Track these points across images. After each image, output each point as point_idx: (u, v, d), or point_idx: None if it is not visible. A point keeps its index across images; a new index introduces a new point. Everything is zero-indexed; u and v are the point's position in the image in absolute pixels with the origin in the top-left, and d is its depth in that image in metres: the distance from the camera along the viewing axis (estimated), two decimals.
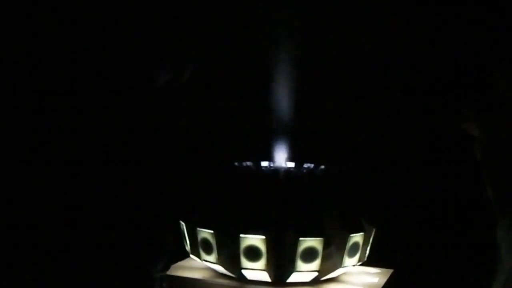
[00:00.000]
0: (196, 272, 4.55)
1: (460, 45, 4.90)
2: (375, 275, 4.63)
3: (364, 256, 4.54)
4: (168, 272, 4.27)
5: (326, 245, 4.13)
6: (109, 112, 3.74)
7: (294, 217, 4.18)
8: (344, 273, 4.49)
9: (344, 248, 4.24)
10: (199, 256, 4.42)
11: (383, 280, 4.53)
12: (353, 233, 4.26)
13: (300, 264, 4.13)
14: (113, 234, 3.66)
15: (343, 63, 5.55)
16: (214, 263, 4.32)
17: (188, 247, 4.56)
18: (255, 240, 4.09)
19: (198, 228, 4.33)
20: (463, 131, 3.14)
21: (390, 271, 4.82)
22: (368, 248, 4.56)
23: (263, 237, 4.07)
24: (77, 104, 3.66)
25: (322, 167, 4.75)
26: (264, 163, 4.89)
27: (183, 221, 4.53)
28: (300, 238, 4.07)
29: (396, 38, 5.36)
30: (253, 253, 4.13)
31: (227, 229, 4.18)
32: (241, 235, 4.11)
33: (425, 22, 5.24)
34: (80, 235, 3.58)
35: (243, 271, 4.20)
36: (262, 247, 4.09)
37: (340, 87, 5.64)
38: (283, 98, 5.04)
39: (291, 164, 4.87)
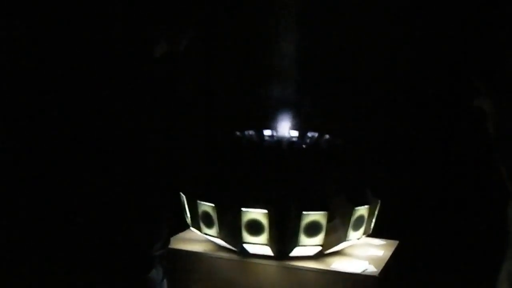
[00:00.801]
0: (197, 244, 4.44)
1: (473, 20, 4.73)
2: (380, 247, 4.52)
3: (369, 228, 4.43)
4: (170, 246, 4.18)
5: (330, 219, 4.01)
6: (106, 80, 3.65)
7: (297, 190, 4.05)
8: (348, 246, 4.36)
9: (349, 222, 4.12)
10: (199, 229, 4.31)
11: (389, 252, 4.42)
12: (357, 206, 4.14)
13: (304, 239, 4.02)
14: (109, 209, 3.53)
15: (352, 29, 5.37)
16: (215, 236, 4.21)
17: (188, 220, 4.45)
18: (257, 214, 3.97)
19: (198, 201, 4.20)
20: (476, 108, 2.98)
21: (395, 242, 4.71)
22: (373, 220, 4.45)
23: (265, 211, 3.95)
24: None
25: (327, 136, 4.59)
26: (267, 132, 4.74)
27: (183, 193, 4.41)
28: (304, 212, 3.95)
29: (409, 13, 5.17)
30: (255, 227, 4.01)
31: (228, 203, 4.06)
32: (242, 209, 3.98)
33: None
34: (73, 210, 3.47)
35: (245, 245, 4.09)
36: (264, 221, 3.98)
37: (350, 53, 5.45)
38: (287, 63, 4.85)
39: (295, 133, 4.72)
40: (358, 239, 4.30)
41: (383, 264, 4.14)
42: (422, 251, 5.22)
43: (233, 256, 4.19)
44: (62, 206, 3.41)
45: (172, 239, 4.32)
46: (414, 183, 5.36)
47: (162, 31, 3.60)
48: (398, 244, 4.68)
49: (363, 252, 4.38)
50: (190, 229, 4.51)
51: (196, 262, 4.31)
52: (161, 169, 3.88)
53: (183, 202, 4.42)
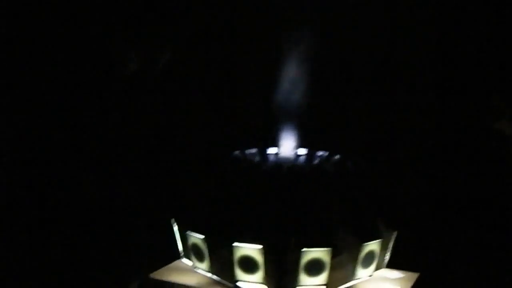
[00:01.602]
0: (189, 276, 3.98)
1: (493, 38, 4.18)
2: (396, 283, 3.98)
3: (383, 263, 3.92)
4: (158, 276, 3.77)
5: (335, 256, 3.51)
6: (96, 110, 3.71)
7: (297, 223, 3.56)
8: (359, 283, 3.85)
9: (357, 258, 3.62)
10: (191, 261, 3.87)
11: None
12: (367, 241, 3.63)
13: (304, 278, 3.54)
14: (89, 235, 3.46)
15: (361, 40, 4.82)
16: (206, 271, 3.76)
17: (180, 249, 4.01)
18: (251, 250, 3.50)
19: (188, 232, 3.75)
20: (496, 130, 2.49)
21: (415, 275, 4.17)
22: (388, 253, 3.93)
23: (260, 246, 3.47)
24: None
25: (337, 157, 4.08)
26: (272, 150, 4.26)
27: (174, 220, 3.97)
28: (304, 249, 3.46)
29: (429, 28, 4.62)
30: (249, 264, 3.54)
31: (219, 236, 3.60)
32: (235, 244, 3.52)
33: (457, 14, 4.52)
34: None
35: (239, 284, 3.63)
36: (258, 258, 3.50)
37: (361, 68, 4.91)
38: (292, 75, 4.33)
39: (302, 151, 4.22)
40: (370, 276, 3.79)
41: None
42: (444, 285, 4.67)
43: None
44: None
45: (164, 269, 3.93)
46: (437, 209, 4.79)
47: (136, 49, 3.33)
48: (418, 278, 4.14)
49: None
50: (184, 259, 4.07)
51: None
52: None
53: (174, 230, 3.98)
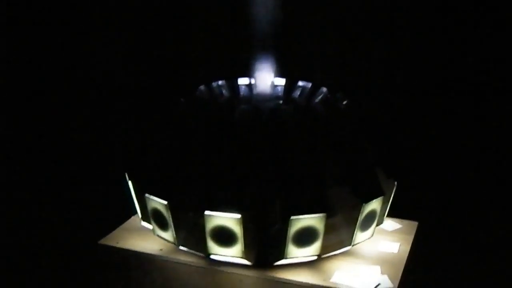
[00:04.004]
0: (150, 242, 3.29)
1: None
2: (395, 238, 3.40)
3: (382, 219, 3.30)
4: (112, 243, 3.08)
5: (329, 221, 2.86)
6: None
7: (283, 185, 2.86)
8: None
9: (356, 222, 2.97)
10: (151, 226, 3.17)
11: (407, 246, 3.31)
12: (368, 201, 2.97)
13: (293, 250, 2.90)
14: None
15: None
16: (171, 242, 3.08)
17: (138, 211, 3.30)
18: (227, 220, 2.81)
19: (147, 195, 3.02)
20: None
21: (414, 225, 3.59)
22: (388, 207, 3.31)
23: (238, 216, 2.78)
24: None
25: (324, 90, 3.35)
26: (243, 81, 3.50)
27: (129, 177, 3.23)
28: (292, 217, 2.78)
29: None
30: (225, 237, 2.87)
31: (186, 203, 2.89)
32: (206, 213, 2.81)
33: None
34: None
35: (213, 256, 2.97)
36: (236, 229, 2.82)
37: None
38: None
39: (281, 81, 3.47)
40: (369, 238, 3.17)
41: (399, 273, 3.03)
42: (444, 233, 4.13)
43: (199, 262, 3.06)
44: None
45: (117, 230, 3.25)
46: (438, 157, 4.17)
47: None
48: (418, 227, 3.55)
49: (373, 251, 3.25)
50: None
51: (148, 264, 3.19)
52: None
53: (129, 188, 3.25)
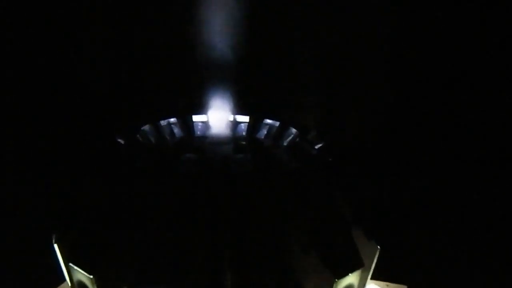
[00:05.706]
0: None
1: None
2: None
3: (363, 286, 2.73)
4: None
5: None
6: None
7: (233, 259, 2.29)
8: None
9: None
10: None
11: None
12: (343, 275, 2.40)
13: None
14: None
15: None
16: None
17: (66, 276, 2.74)
18: None
19: (71, 264, 2.46)
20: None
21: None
22: (370, 274, 2.74)
23: None
24: None
25: (293, 131, 2.79)
26: (199, 118, 2.94)
27: (55, 239, 2.67)
28: None
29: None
30: None
31: (114, 279, 2.32)
32: None
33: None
34: None
35: None
36: None
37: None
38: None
39: (243, 119, 2.91)
40: None
41: None
42: None
43: None
44: None
45: None
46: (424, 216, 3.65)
47: None
48: None
49: None
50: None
51: None
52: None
53: (56, 251, 2.69)
